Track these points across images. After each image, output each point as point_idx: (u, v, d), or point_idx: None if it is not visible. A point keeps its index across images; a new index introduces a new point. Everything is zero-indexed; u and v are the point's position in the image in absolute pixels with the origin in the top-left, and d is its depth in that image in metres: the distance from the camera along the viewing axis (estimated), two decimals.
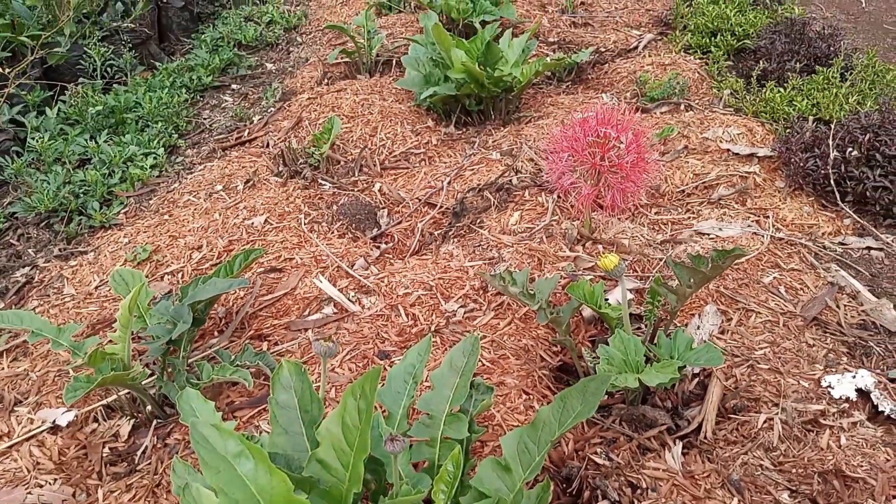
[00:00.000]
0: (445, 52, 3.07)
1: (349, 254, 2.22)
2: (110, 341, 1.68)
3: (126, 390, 1.73)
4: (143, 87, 3.70)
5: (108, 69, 3.84)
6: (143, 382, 1.70)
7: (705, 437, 1.58)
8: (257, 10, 4.82)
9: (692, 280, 1.65)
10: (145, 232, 2.50)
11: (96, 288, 2.29)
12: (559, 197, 2.40)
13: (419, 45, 3.29)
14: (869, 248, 2.28)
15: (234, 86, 3.93)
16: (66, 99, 3.46)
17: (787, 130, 2.67)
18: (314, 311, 1.98)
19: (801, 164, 2.47)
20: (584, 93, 3.42)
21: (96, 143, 3.10)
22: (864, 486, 1.42)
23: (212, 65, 3.99)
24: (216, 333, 2.00)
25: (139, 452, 1.64)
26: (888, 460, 1.46)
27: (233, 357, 1.72)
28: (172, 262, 2.29)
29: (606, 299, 1.92)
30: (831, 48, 3.34)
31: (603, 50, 3.85)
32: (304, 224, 2.40)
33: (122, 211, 2.76)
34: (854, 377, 1.70)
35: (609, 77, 3.54)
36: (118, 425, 1.73)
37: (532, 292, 1.71)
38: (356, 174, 2.79)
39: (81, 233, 2.67)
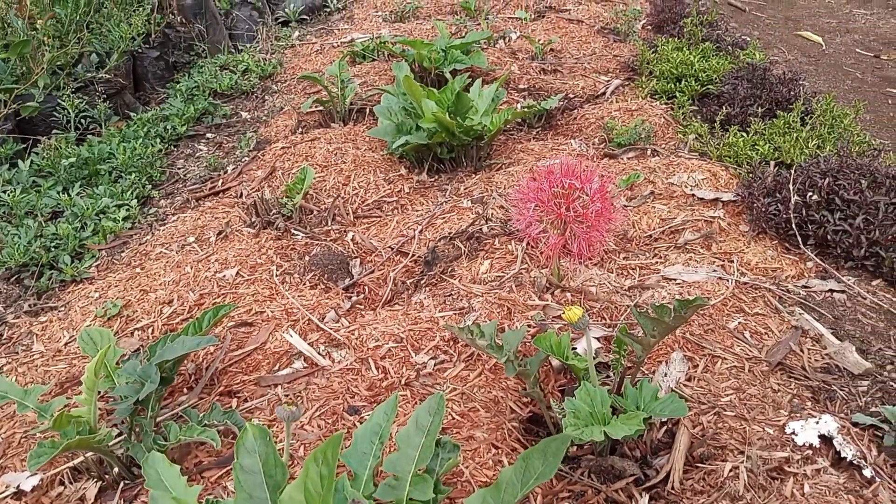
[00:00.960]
0: (416, 103, 3.13)
1: (320, 306, 2.23)
2: (76, 404, 1.67)
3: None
4: (118, 137, 3.72)
5: (83, 120, 3.86)
6: (110, 443, 1.69)
7: (673, 488, 1.59)
8: (233, 58, 4.88)
9: (655, 330, 1.68)
10: (116, 286, 2.49)
11: (66, 345, 2.27)
12: (528, 245, 2.44)
13: (391, 94, 3.35)
14: (832, 291, 2.33)
15: (208, 135, 3.96)
16: (39, 151, 3.46)
17: (750, 175, 2.74)
18: (284, 366, 1.98)
19: (764, 209, 2.54)
20: (553, 139, 3.49)
21: (69, 195, 3.10)
22: None
23: (186, 114, 4.02)
24: (186, 390, 1.99)
25: None
26: None
27: (200, 416, 1.71)
28: (143, 318, 2.28)
29: (574, 348, 1.94)
30: (792, 92, 3.45)
31: (572, 96, 3.94)
32: (276, 276, 2.41)
33: (94, 264, 2.75)
34: (818, 423, 1.72)
35: (578, 123, 3.61)
36: (84, 488, 1.71)
37: (500, 344, 1.73)
38: (329, 223, 2.81)
39: (52, 287, 2.65)
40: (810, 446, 1.66)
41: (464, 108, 3.16)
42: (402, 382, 1.86)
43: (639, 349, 1.73)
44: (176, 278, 2.43)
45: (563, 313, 1.64)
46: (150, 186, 3.34)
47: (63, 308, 2.48)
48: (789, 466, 1.61)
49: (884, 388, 1.93)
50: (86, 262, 2.77)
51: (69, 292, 2.60)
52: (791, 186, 2.57)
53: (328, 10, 6.13)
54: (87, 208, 3.00)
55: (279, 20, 5.88)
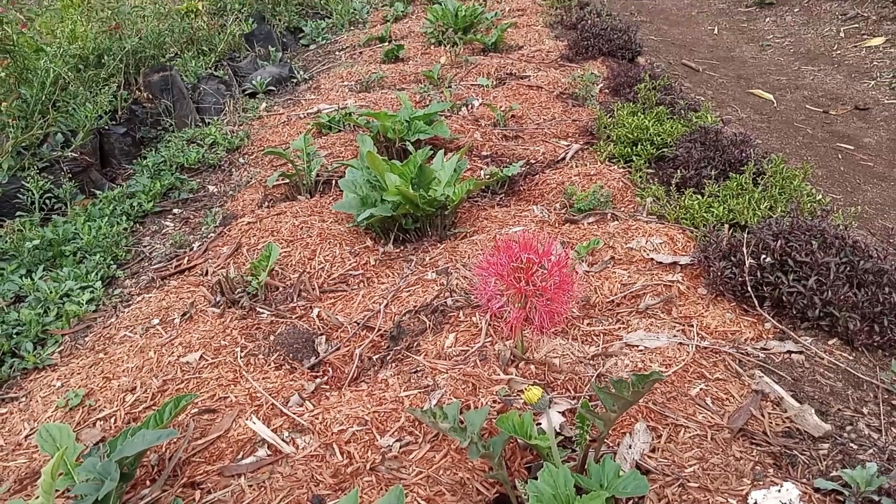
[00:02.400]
0: (380, 176, 3.19)
1: (284, 388, 2.23)
2: None
3: None
4: (83, 217, 3.71)
5: (48, 201, 3.86)
6: None
7: None
8: (200, 132, 4.94)
9: (616, 405, 1.70)
10: (79, 373, 2.46)
11: (26, 437, 2.23)
12: (491, 317, 2.46)
13: (355, 168, 3.40)
14: (790, 352, 2.38)
15: (175, 210, 3.98)
16: (2, 234, 3.44)
17: (706, 238, 2.81)
18: (248, 454, 1.96)
19: (720, 273, 2.60)
20: (516, 205, 3.56)
21: (32, 279, 3.08)
22: None
23: (153, 190, 4.04)
24: (149, 482, 1.96)
25: None
26: None
27: None
28: (105, 407, 2.25)
29: (539, 423, 1.95)
30: (743, 154, 3.57)
31: (533, 161, 4.04)
32: (241, 358, 2.40)
33: (57, 350, 2.72)
34: (780, 491, 1.74)
35: (539, 188, 3.70)
36: None
37: (464, 427, 1.73)
38: (295, 299, 2.82)
39: (13, 376, 2.61)
40: None
41: (427, 180, 3.23)
42: (368, 467, 1.85)
43: (601, 424, 1.75)
44: (139, 364, 2.41)
45: (524, 393, 1.66)
46: (115, 266, 3.33)
47: (24, 398, 2.44)
48: None
49: (844, 450, 1.96)
50: (48, 348, 2.74)
51: (31, 381, 2.56)
52: (745, 249, 2.64)
53: (295, 80, 6.26)
54: (51, 292, 2.98)
55: (246, 92, 5.98)
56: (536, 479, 1.57)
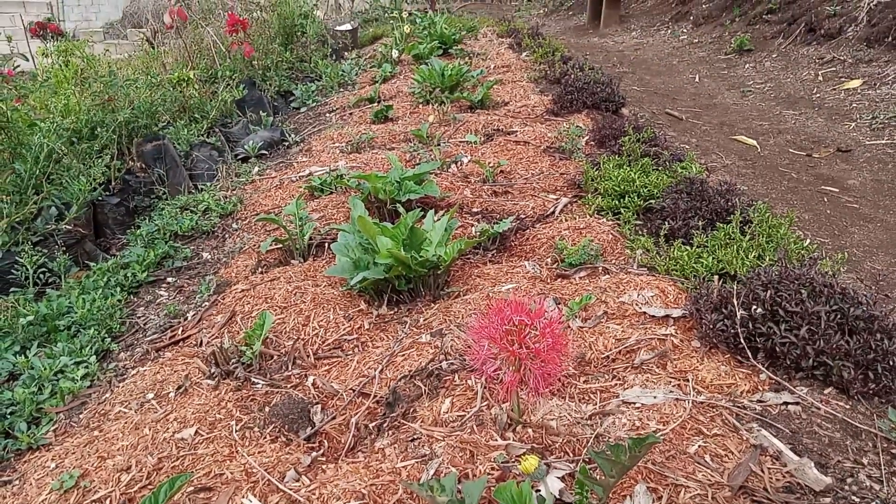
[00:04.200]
0: (371, 240, 3.22)
1: (280, 463, 2.21)
2: None
3: None
4: (77, 290, 3.73)
5: (42, 275, 3.87)
6: None
7: None
8: (193, 199, 4.99)
9: (613, 470, 1.70)
10: (74, 453, 2.44)
11: None
12: (487, 381, 2.46)
13: (347, 232, 3.44)
14: (786, 404, 2.37)
15: (169, 279, 3.99)
16: None
17: (696, 291, 2.84)
18: None
19: (713, 325, 2.61)
20: (508, 261, 3.59)
21: (26, 357, 3.07)
22: None
23: (147, 260, 4.06)
24: None
25: None
26: None
27: None
28: (101, 487, 2.23)
29: (538, 490, 1.94)
30: (729, 203, 3.63)
31: (523, 216, 4.09)
32: (236, 431, 2.39)
33: (52, 429, 2.70)
34: None
35: (531, 243, 3.73)
36: None
37: (462, 499, 1.72)
38: (289, 368, 2.82)
39: (7, 458, 2.58)
40: None
41: (418, 241, 3.26)
42: None
43: (600, 490, 1.74)
44: (134, 441, 2.39)
45: (520, 464, 1.66)
46: (109, 339, 3.33)
47: (17, 481, 2.41)
48: None
49: (846, 503, 1.95)
50: (43, 427, 2.71)
51: (24, 462, 2.53)
52: (735, 301, 2.66)
53: (287, 143, 6.35)
54: (45, 369, 2.97)
55: (239, 156, 6.07)
56: None
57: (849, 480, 2.04)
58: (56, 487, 2.26)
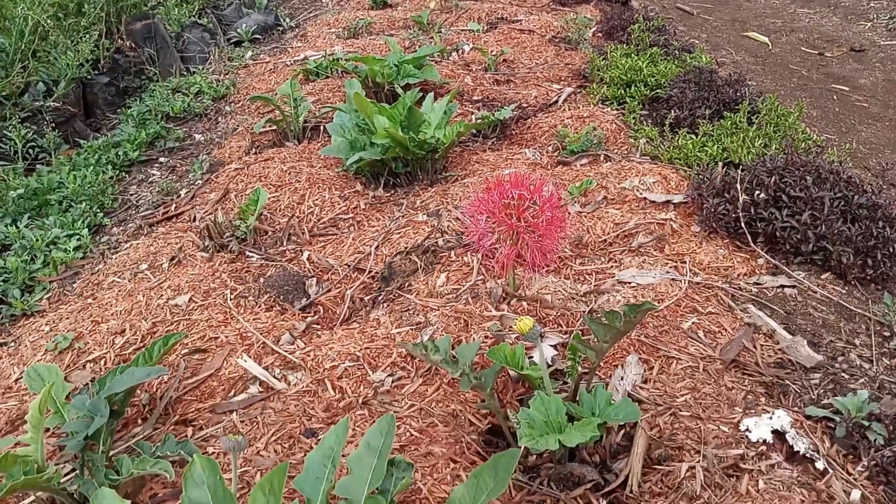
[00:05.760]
0: (368, 119, 3.13)
1: (275, 328, 2.21)
2: (25, 443, 1.63)
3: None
4: (68, 166, 3.65)
5: (31, 150, 3.79)
6: (60, 482, 1.64)
7: (631, 491, 1.60)
8: (185, 81, 4.83)
9: (608, 336, 1.69)
10: (68, 318, 2.44)
11: (16, 381, 2.21)
12: (483, 257, 2.44)
13: (343, 112, 3.34)
14: (783, 287, 2.37)
15: (161, 159, 3.91)
16: None
17: (700, 176, 2.78)
18: (240, 392, 1.95)
19: (714, 209, 2.58)
20: (508, 149, 3.51)
21: (17, 227, 3.03)
22: None
23: (138, 139, 3.96)
24: (140, 421, 1.95)
25: None
26: (803, 500, 1.51)
27: (154, 448, 1.67)
28: (95, 349, 2.24)
29: (530, 357, 1.95)
30: (738, 93, 3.52)
31: (525, 105, 3.98)
32: (231, 300, 2.38)
33: (45, 297, 2.69)
34: (771, 418, 1.75)
35: (532, 132, 3.64)
36: None
37: (455, 359, 1.72)
38: (284, 243, 2.79)
39: (2, 323, 2.58)
40: (764, 442, 1.68)
41: (416, 123, 3.17)
42: (360, 402, 1.85)
43: (592, 355, 1.74)
44: (128, 307, 2.39)
45: (515, 325, 1.65)
46: (101, 214, 3.28)
47: (13, 343, 2.42)
48: (744, 463, 1.63)
49: (835, 379, 1.97)
50: (36, 294, 2.71)
51: (19, 327, 2.53)
52: (739, 186, 2.61)
53: (281, 28, 6.11)
54: (37, 240, 2.94)
55: (231, 40, 5.84)
56: (529, 406, 1.56)
57: (840, 359, 2.05)
58: (51, 348, 2.27)
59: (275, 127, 3.81)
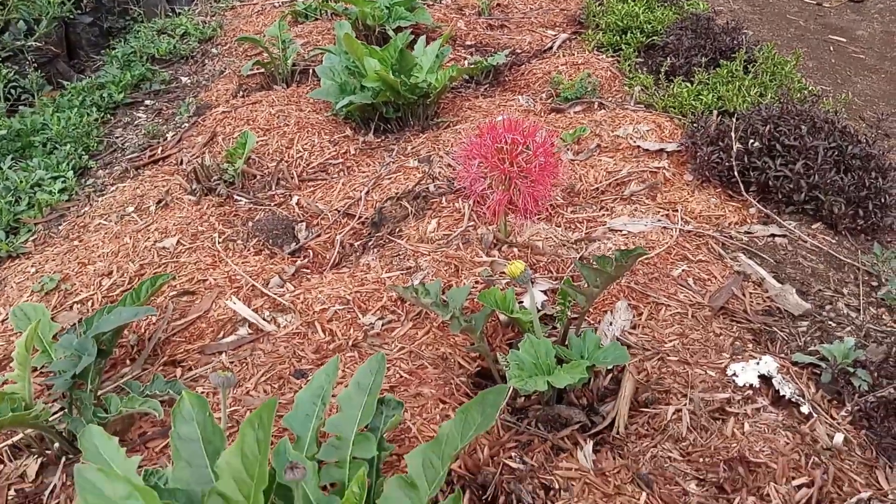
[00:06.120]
0: (359, 62, 3.06)
1: (265, 271, 2.19)
2: (12, 381, 1.62)
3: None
4: (51, 107, 3.57)
5: (13, 91, 3.70)
6: (48, 419, 1.64)
7: (618, 433, 1.62)
8: (171, 22, 4.71)
9: (598, 280, 1.69)
10: (54, 260, 2.41)
11: (2, 322, 2.20)
12: (475, 203, 2.42)
13: (333, 54, 3.26)
14: (773, 236, 2.37)
15: (147, 102, 3.83)
16: None
17: (694, 125, 2.75)
18: (229, 334, 1.94)
19: (707, 158, 2.56)
20: (501, 95, 3.46)
21: (0, 169, 2.97)
22: (766, 470, 1.48)
23: (123, 81, 3.88)
24: (129, 362, 1.95)
25: (47, 492, 1.58)
26: (787, 443, 1.53)
27: (142, 387, 1.68)
28: (82, 291, 2.22)
29: (521, 302, 1.95)
30: (735, 41, 3.46)
31: (519, 51, 3.90)
32: (219, 243, 2.36)
33: (30, 239, 2.66)
34: (758, 363, 1.76)
35: (525, 78, 3.58)
36: (25, 465, 1.67)
37: (445, 302, 1.72)
38: (273, 188, 2.75)
39: None
40: (750, 386, 1.70)
41: (408, 66, 3.10)
42: (350, 344, 1.85)
43: (582, 300, 1.74)
44: (115, 249, 2.36)
45: (506, 269, 1.64)
46: (86, 157, 3.22)
47: None
48: (730, 407, 1.65)
49: (822, 327, 1.98)
50: (21, 236, 2.67)
51: (5, 268, 2.50)
52: (733, 134, 2.59)
53: None
54: (21, 181, 2.89)
55: None
56: (518, 349, 1.56)
57: (827, 307, 2.06)
58: (37, 289, 2.25)
59: (263, 70, 3.73)
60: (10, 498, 1.59)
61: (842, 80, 3.91)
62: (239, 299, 2.04)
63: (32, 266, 2.41)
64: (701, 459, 1.52)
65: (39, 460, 1.68)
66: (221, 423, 1.25)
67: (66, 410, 1.70)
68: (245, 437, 1.08)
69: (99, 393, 1.79)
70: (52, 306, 2.17)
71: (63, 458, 1.67)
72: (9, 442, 1.72)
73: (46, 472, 1.65)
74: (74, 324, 2.06)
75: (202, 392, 1.73)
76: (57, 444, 1.69)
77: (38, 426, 1.58)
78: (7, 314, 2.21)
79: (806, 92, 3.05)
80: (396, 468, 1.50)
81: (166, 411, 1.67)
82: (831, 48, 4.39)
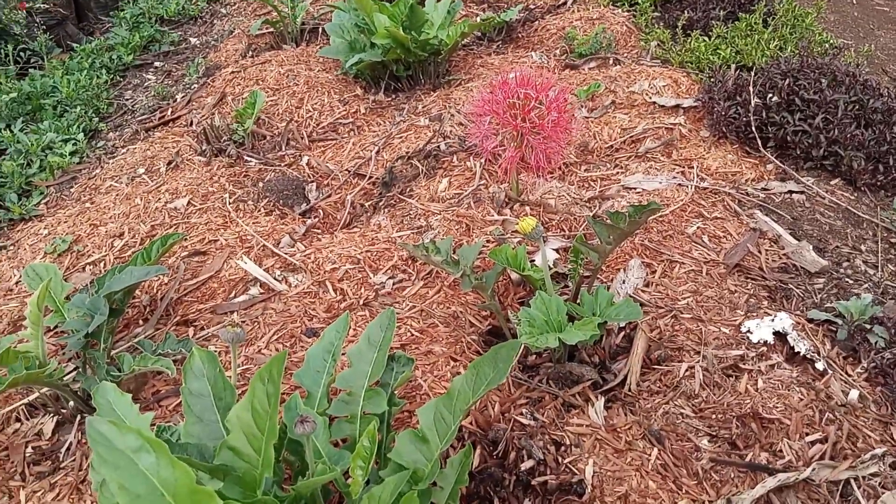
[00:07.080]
0: (368, 18, 3.01)
1: (276, 231, 2.19)
2: (27, 340, 1.63)
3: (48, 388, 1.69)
4: (61, 70, 3.55)
5: (22, 53, 3.68)
6: (62, 377, 1.66)
7: (629, 390, 1.61)
8: None
9: (611, 237, 1.66)
10: (66, 222, 2.42)
11: (16, 283, 2.21)
12: (486, 161, 2.39)
13: (342, 11, 3.21)
14: (791, 192, 2.32)
15: (156, 63, 3.80)
16: None
17: (711, 80, 2.69)
18: (240, 293, 1.94)
19: (724, 113, 2.50)
20: (513, 52, 3.40)
21: (11, 132, 2.97)
22: (779, 426, 1.47)
23: (132, 43, 3.85)
24: (141, 322, 1.96)
25: (63, 450, 1.60)
26: (801, 399, 1.51)
27: (155, 346, 1.69)
28: (94, 252, 2.23)
29: (532, 260, 1.93)
30: None
31: (532, 7, 3.82)
32: (229, 203, 2.35)
33: (43, 201, 2.67)
34: (773, 320, 1.74)
35: (539, 34, 3.51)
36: (41, 423, 1.69)
37: (456, 260, 1.70)
38: (283, 148, 2.73)
39: (0, 227, 2.57)
40: (765, 343, 1.68)
41: (418, 22, 3.05)
42: (361, 303, 1.84)
43: (595, 257, 1.72)
44: (126, 211, 2.36)
45: (517, 225, 1.62)
46: (97, 119, 3.21)
47: (12, 247, 2.41)
48: (744, 363, 1.63)
49: (839, 284, 1.95)
50: (34, 199, 2.68)
51: (18, 231, 2.52)
52: (751, 88, 2.53)
53: None
54: (32, 144, 2.89)
55: None
56: (530, 306, 1.55)
57: (844, 265, 2.03)
58: (50, 251, 2.26)
59: (272, 29, 3.68)
60: (27, 455, 1.62)
61: (864, 34, 3.80)
62: (250, 259, 2.03)
63: (45, 228, 2.42)
64: (713, 416, 1.51)
65: (55, 419, 1.70)
66: (232, 378, 1.25)
67: (79, 370, 1.72)
68: (255, 391, 1.08)
69: (112, 352, 1.80)
70: (65, 267, 2.18)
71: (78, 417, 1.69)
72: (25, 401, 1.75)
73: (62, 431, 1.68)
74: (87, 285, 2.07)
75: (214, 351, 1.74)
76: (72, 403, 1.71)
77: (52, 384, 1.60)
78: (20, 276, 2.23)
79: (827, 45, 2.96)
80: (407, 424, 1.51)
81: (179, 370, 1.68)
82: (853, 1, 4.26)
